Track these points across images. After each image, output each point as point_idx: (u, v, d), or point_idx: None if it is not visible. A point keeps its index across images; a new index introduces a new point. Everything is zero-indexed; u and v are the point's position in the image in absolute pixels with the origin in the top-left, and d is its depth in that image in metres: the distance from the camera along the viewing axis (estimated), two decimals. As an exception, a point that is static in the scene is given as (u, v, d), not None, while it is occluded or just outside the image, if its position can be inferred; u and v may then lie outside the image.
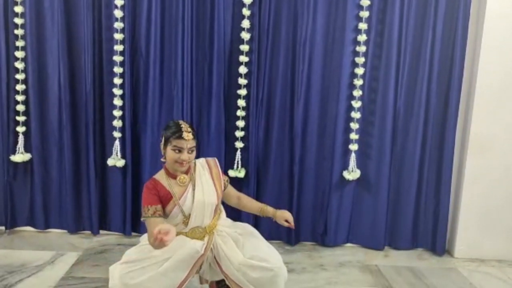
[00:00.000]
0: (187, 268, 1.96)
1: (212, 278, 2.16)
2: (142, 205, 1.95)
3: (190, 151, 1.95)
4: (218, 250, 2.02)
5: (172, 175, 2.00)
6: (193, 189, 2.00)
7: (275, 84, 2.97)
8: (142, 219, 1.94)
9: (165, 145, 1.96)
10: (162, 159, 2.02)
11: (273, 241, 3.08)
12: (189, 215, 1.99)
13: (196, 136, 2.02)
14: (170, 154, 1.94)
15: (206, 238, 2.03)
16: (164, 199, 1.97)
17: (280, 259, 2.01)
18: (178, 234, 2.04)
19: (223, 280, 2.08)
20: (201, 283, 2.16)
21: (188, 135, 1.92)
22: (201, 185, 2.02)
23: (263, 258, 1.96)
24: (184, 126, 1.95)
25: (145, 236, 2.15)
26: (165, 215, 1.97)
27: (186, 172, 2.02)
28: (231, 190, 2.20)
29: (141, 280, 1.87)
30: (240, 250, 2.01)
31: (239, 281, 1.96)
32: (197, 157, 2.10)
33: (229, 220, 2.21)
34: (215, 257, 2.03)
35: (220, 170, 2.12)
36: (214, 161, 2.14)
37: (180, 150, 1.92)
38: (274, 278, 1.94)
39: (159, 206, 1.94)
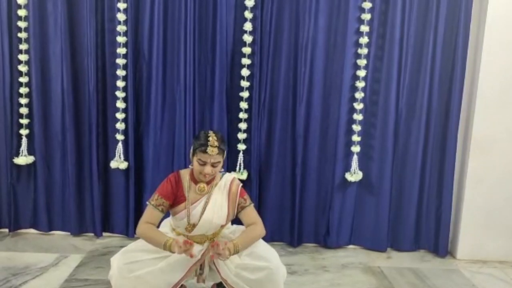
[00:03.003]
0: (183, 271, 1.98)
1: (213, 280, 2.17)
2: (156, 190, 2.03)
3: (214, 165, 1.95)
4: None
5: (194, 180, 2.04)
6: (206, 203, 2.02)
7: (277, 86, 2.99)
8: (147, 201, 2.02)
9: (193, 154, 1.98)
10: (190, 166, 2.05)
11: (275, 243, 3.09)
12: (194, 225, 2.00)
13: (225, 149, 1.99)
14: (195, 164, 1.97)
15: (205, 244, 2.05)
16: (178, 199, 2.02)
17: (277, 258, 2.01)
18: (179, 234, 2.07)
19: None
20: (198, 281, 2.17)
21: (213, 150, 1.91)
22: (214, 203, 2.02)
23: (260, 256, 1.97)
24: (212, 139, 1.92)
25: None
26: (172, 212, 2.03)
27: (208, 182, 2.04)
28: (246, 217, 2.07)
29: (139, 274, 1.89)
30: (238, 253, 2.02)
31: (237, 285, 1.96)
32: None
33: (233, 226, 2.21)
34: (213, 261, 2.04)
35: (238, 193, 2.07)
36: (237, 185, 2.09)
37: (204, 163, 1.94)
38: (272, 276, 1.94)
39: (167, 203, 1.99)
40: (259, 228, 2.03)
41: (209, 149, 1.90)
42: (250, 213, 2.07)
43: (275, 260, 1.99)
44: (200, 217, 2.01)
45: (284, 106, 3.00)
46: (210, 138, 1.92)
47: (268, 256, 1.98)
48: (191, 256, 1.82)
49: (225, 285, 2.02)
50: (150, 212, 1.98)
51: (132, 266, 1.91)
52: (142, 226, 1.97)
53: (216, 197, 2.03)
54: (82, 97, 3.00)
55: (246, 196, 2.09)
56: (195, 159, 1.96)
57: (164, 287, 1.94)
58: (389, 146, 2.99)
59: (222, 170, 2.08)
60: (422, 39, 2.92)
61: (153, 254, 1.95)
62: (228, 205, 2.05)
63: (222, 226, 2.10)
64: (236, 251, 1.89)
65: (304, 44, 2.90)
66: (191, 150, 2.01)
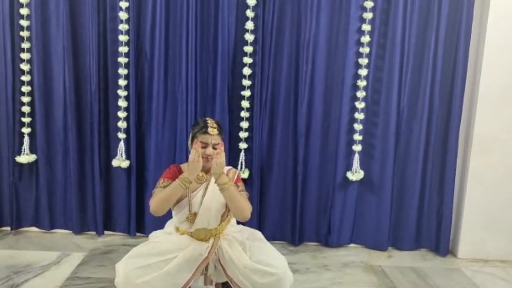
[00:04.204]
0: (191, 270, 1.99)
1: (218, 279, 2.18)
2: (160, 178, 2.04)
3: (214, 147, 2.00)
4: (223, 253, 2.03)
5: None
6: (205, 190, 2.05)
7: (278, 85, 2.99)
8: (153, 190, 2.02)
9: (192, 141, 2.03)
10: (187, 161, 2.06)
11: (277, 242, 3.09)
12: (195, 213, 2.01)
13: (223, 132, 2.08)
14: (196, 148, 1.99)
15: (211, 241, 2.05)
16: None
17: (285, 264, 2.01)
18: (183, 233, 2.07)
19: (228, 282, 2.09)
20: (205, 284, 2.18)
21: (213, 130, 2.00)
22: (212, 191, 2.04)
23: (268, 263, 1.97)
24: (210, 122, 2.03)
25: (153, 234, 2.18)
26: (175, 201, 2.01)
27: (207, 171, 2.06)
28: None
29: (147, 280, 1.88)
30: (246, 254, 2.02)
31: (243, 285, 1.97)
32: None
33: (238, 226, 2.21)
34: (219, 260, 2.05)
35: (234, 179, 2.08)
36: (234, 171, 2.13)
37: (205, 145, 1.98)
38: (279, 282, 1.94)
39: None
40: (248, 205, 1.99)
41: (210, 129, 1.99)
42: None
43: (282, 266, 1.99)
44: (200, 204, 2.02)
45: (286, 105, 3.01)
46: (209, 121, 2.03)
47: (276, 262, 1.99)
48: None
49: (230, 283, 2.03)
50: (160, 190, 1.96)
51: (139, 271, 1.90)
52: (153, 200, 1.94)
53: (214, 186, 2.03)
54: (84, 96, 3.00)
55: (241, 184, 2.10)
56: (195, 143, 1.99)
57: None
58: (391, 145, 2.99)
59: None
60: (423, 38, 2.92)
61: (159, 257, 1.94)
62: None
63: (223, 218, 2.10)
64: (223, 180, 1.89)
65: (305, 43, 2.90)
66: (190, 138, 2.06)
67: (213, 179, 2.04)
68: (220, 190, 1.93)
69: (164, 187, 1.97)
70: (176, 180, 1.91)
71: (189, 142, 2.07)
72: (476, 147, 2.95)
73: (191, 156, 1.91)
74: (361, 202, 3.11)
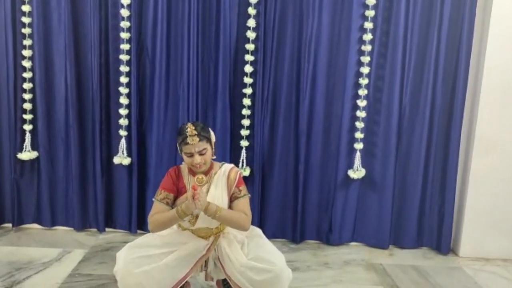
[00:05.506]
0: (189, 266, 1.99)
1: (218, 276, 2.18)
2: (160, 187, 2.05)
3: (201, 153, 1.96)
4: (221, 251, 2.03)
5: (192, 173, 2.06)
6: (206, 192, 2.03)
7: (280, 83, 2.98)
8: (153, 198, 2.04)
9: (180, 150, 2.01)
10: (183, 162, 2.07)
11: (278, 240, 3.09)
12: (197, 216, 2.01)
13: (208, 136, 2.00)
14: (185, 159, 1.99)
15: (211, 239, 2.05)
16: (180, 191, 2.04)
17: (283, 261, 2.01)
18: (184, 230, 2.08)
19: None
20: (206, 279, 2.19)
21: (192, 139, 1.93)
22: (214, 192, 2.03)
23: (266, 259, 1.97)
24: (190, 129, 1.94)
25: None
26: (174, 205, 2.02)
27: (206, 173, 2.05)
28: (236, 207, 2.04)
29: (145, 270, 1.89)
30: (244, 251, 2.02)
31: (241, 283, 1.97)
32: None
33: None
34: (218, 258, 2.05)
35: (236, 182, 2.06)
36: (235, 172, 2.09)
37: (191, 154, 1.96)
38: (276, 279, 1.94)
39: (171, 195, 2.02)
40: (245, 219, 1.99)
41: (189, 139, 1.92)
42: (241, 204, 2.04)
43: (281, 263, 1.99)
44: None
45: (287, 103, 3.00)
46: (188, 129, 1.94)
47: (273, 259, 1.98)
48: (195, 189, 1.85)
49: (229, 281, 2.03)
50: (157, 207, 2.00)
51: (139, 261, 1.91)
52: (152, 219, 1.97)
53: (216, 186, 2.04)
54: (85, 93, 3.00)
55: (243, 187, 2.08)
56: (183, 154, 1.99)
57: (169, 283, 1.94)
58: (392, 144, 2.98)
59: (214, 157, 2.08)
60: (426, 36, 2.91)
61: (159, 249, 1.96)
62: (227, 193, 2.05)
63: None
64: (211, 211, 1.88)
65: (307, 40, 2.90)
66: (178, 148, 2.03)
67: (214, 181, 2.04)
68: (212, 219, 1.92)
69: (161, 200, 2.00)
70: (174, 211, 1.90)
71: (178, 150, 2.04)
72: (478, 146, 2.95)
73: (188, 194, 1.89)
74: (363, 200, 3.10)
